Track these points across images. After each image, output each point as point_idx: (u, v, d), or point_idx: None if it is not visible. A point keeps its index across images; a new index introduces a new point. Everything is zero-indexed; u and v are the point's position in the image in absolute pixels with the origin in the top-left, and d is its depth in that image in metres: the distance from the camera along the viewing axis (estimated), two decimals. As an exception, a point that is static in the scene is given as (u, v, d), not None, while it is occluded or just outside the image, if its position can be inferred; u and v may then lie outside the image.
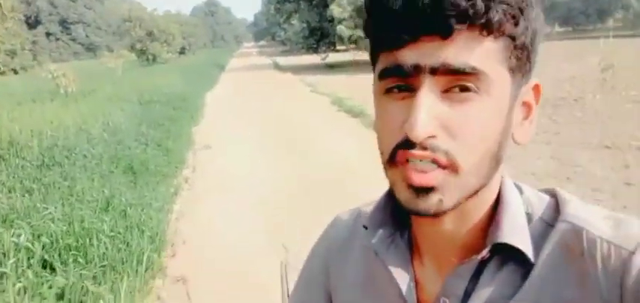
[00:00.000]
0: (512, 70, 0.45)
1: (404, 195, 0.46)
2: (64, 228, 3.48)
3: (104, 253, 3.24)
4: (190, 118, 9.72)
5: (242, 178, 5.79)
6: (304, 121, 9.27)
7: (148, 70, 20.06)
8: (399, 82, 0.45)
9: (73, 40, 47.34)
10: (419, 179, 0.44)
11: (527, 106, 0.51)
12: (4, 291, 2.61)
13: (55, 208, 3.88)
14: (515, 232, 0.48)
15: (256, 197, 5.03)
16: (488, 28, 0.43)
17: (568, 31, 39.06)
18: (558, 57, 15.38)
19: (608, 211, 0.50)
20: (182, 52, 30.59)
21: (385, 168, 0.49)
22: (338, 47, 23.46)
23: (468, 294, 0.50)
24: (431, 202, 0.45)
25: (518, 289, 0.48)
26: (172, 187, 5.32)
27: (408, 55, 0.44)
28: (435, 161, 0.44)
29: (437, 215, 0.46)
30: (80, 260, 3.11)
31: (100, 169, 5.27)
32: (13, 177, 4.90)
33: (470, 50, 0.43)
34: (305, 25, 24.35)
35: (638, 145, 5.81)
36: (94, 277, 2.98)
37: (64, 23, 46.96)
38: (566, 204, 0.50)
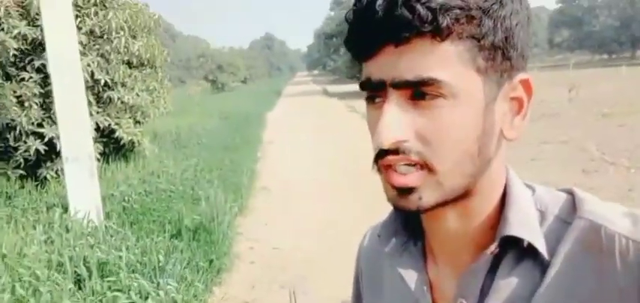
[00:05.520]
0: (480, 71, 0.46)
1: (389, 194, 0.49)
2: (204, 166, 7.08)
3: (229, 169, 6.79)
4: (258, 126, 13.45)
5: (294, 156, 9.33)
6: (338, 127, 12.79)
7: (220, 96, 24.45)
8: (373, 94, 0.49)
9: (150, 72, 53.72)
10: (399, 181, 0.47)
11: (517, 101, 0.50)
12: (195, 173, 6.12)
13: (196, 160, 7.52)
14: (524, 227, 0.49)
15: (302, 163, 8.54)
16: (439, 34, 0.43)
17: (603, 59, 40.27)
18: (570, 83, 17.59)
19: (626, 208, 0.49)
20: (244, 81, 35.22)
21: None
22: (379, 75, 26.84)
23: (485, 292, 0.51)
24: (411, 200, 0.47)
25: (536, 285, 0.48)
26: (254, 158, 8.92)
27: (374, 69, 0.47)
28: (409, 163, 0.46)
29: (419, 211, 0.48)
30: (214, 175, 6.66)
31: (210, 148, 8.95)
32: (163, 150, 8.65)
33: (425, 59, 0.44)
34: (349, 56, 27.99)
35: (563, 140, 8.81)
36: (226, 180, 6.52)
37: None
38: (584, 202, 0.50)
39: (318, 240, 4.67)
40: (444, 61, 0.44)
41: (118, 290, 2.90)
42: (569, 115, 11.72)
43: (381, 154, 0.47)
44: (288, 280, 3.84)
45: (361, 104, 18.99)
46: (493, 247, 0.50)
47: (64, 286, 2.93)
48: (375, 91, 0.48)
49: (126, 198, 5.06)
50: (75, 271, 3.24)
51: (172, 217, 4.44)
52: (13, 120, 5.25)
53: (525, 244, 0.48)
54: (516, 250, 0.49)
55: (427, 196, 0.47)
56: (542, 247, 0.48)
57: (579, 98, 12.73)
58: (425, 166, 0.46)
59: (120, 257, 3.43)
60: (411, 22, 0.43)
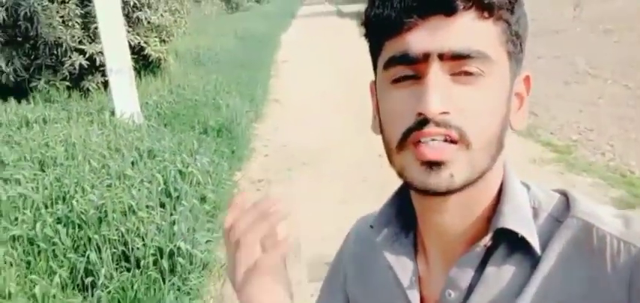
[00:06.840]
0: (509, 55, 0.48)
1: (416, 172, 0.47)
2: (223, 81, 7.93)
3: (245, 84, 7.65)
4: (273, 47, 14.15)
5: (306, 71, 10.15)
6: (345, 46, 13.43)
7: (234, 16, 24.80)
8: (407, 71, 0.47)
9: (163, -7, 53.54)
10: (432, 153, 0.45)
11: (519, 96, 0.52)
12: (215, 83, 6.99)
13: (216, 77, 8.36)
14: (519, 221, 0.49)
15: (313, 77, 9.39)
16: (490, 10, 0.45)
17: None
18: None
19: (617, 209, 0.50)
20: (258, 1, 35.22)
21: (393, 157, 0.50)
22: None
23: (473, 285, 0.50)
24: (442, 177, 0.46)
25: (525, 282, 0.48)
26: (267, 75, 9.74)
27: (416, 40, 0.45)
28: (447, 138, 0.45)
29: (448, 192, 0.47)
30: (232, 88, 7.51)
31: (228, 65, 9.76)
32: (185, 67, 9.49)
33: (473, 32, 0.45)
34: (364, -25, 27.75)
35: (556, 55, 9.37)
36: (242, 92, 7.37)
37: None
38: (577, 202, 0.50)
39: (320, 140, 5.58)
40: (488, 38, 0.46)
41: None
42: (571, 33, 12.10)
43: (418, 125, 0.46)
44: (294, 166, 4.80)
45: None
46: (486, 240, 0.50)
47: (125, 163, 3.90)
48: (411, 66, 0.47)
49: (158, 105, 5.98)
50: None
51: (199, 119, 5.37)
52: (59, 38, 6.10)
53: (519, 236, 0.48)
54: (508, 244, 0.50)
55: (459, 174, 0.46)
56: (535, 242, 0.49)
57: (583, 16, 13.01)
58: (461, 141, 0.46)
59: (162, 146, 4.38)
60: None
